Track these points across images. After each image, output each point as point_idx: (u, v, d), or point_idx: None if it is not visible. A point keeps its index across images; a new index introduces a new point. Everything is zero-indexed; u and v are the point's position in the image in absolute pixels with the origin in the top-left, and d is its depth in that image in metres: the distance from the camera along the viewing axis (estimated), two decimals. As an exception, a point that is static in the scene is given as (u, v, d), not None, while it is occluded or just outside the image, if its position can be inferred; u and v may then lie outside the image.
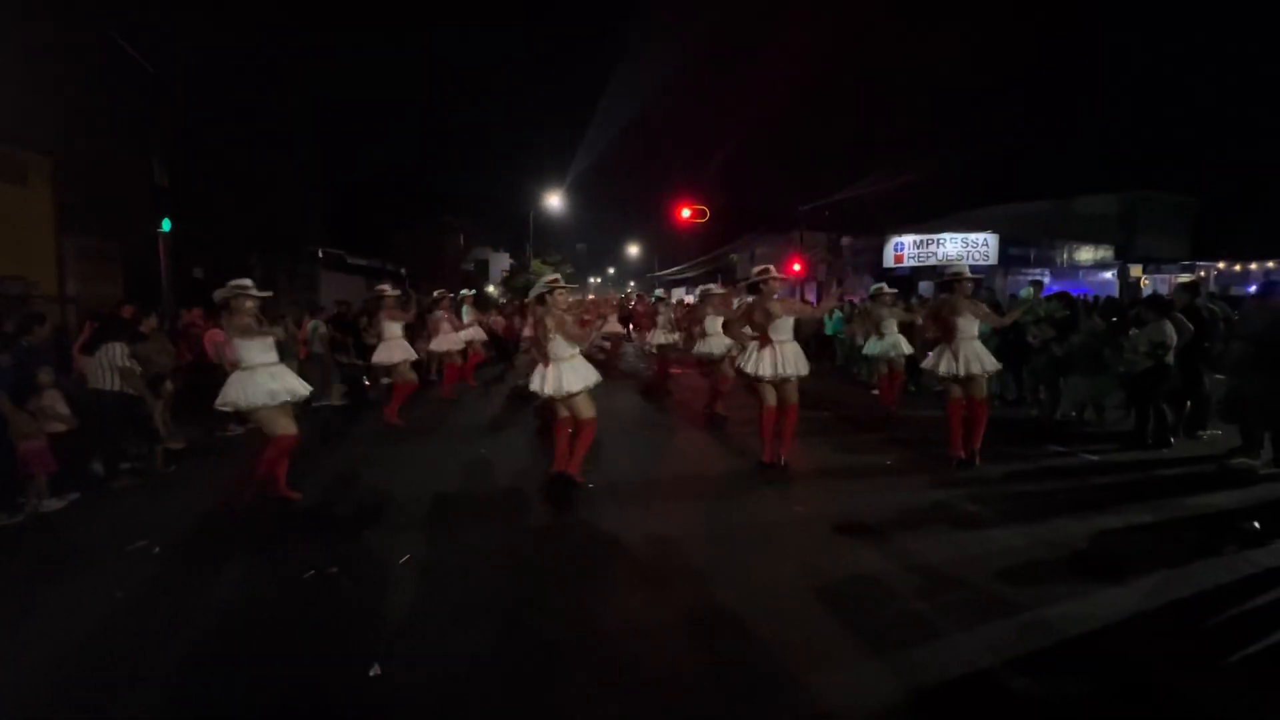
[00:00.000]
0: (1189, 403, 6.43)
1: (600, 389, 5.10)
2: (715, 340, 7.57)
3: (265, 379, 4.58)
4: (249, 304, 4.69)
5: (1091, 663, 2.67)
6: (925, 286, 20.54)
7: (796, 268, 21.64)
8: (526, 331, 12.08)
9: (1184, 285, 7.07)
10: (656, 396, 9.34)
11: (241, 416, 7.22)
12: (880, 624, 2.94)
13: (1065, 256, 23.02)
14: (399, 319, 7.79)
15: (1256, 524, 4.09)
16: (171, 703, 2.48)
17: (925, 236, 23.13)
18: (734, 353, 6.38)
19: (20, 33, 9.42)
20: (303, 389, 4.78)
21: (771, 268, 5.61)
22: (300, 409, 5.05)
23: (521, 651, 2.76)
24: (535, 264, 28.35)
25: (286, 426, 4.60)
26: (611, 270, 66.63)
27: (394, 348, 7.53)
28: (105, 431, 5.20)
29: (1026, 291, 9.22)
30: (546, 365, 4.83)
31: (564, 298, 4.98)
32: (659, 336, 10.15)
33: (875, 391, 9.29)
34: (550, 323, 4.77)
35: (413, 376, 7.63)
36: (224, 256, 14.64)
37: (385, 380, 10.26)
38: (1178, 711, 2.41)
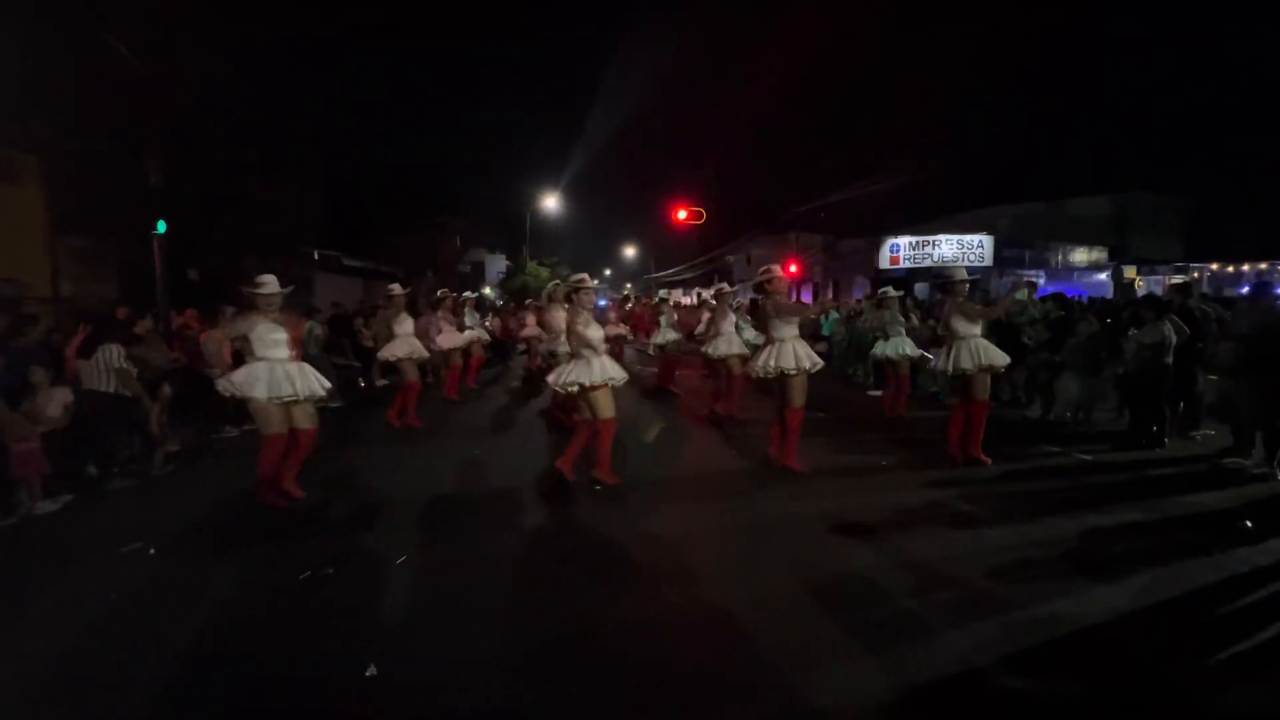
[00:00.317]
0: (1181, 403, 6.48)
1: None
2: (724, 341, 7.62)
3: (265, 372, 4.54)
4: (266, 301, 4.65)
5: (1083, 661, 2.69)
6: (921, 288, 20.64)
7: (792, 269, 21.70)
8: (526, 332, 12.15)
9: (1176, 286, 7.12)
10: (656, 397, 9.34)
11: (239, 417, 7.27)
12: (874, 622, 2.95)
13: (1060, 258, 23.17)
14: (453, 322, 7.95)
15: (1248, 522, 4.12)
16: (167, 704, 2.47)
17: (921, 238, 23.25)
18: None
19: (12, 33, 9.39)
20: (304, 391, 4.61)
21: (775, 267, 5.65)
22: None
23: (518, 651, 2.76)
24: (531, 266, 28.35)
25: (279, 426, 4.57)
26: (608, 272, 66.68)
27: (400, 344, 7.51)
28: (100, 433, 5.18)
29: (1022, 292, 9.28)
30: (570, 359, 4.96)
31: (589, 296, 5.12)
32: (660, 336, 10.15)
33: (872, 393, 9.33)
34: (577, 317, 4.94)
35: (415, 376, 7.61)
36: (219, 258, 14.61)
37: (382, 382, 10.27)
38: (1169, 709, 2.43)
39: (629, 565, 3.65)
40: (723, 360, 7.62)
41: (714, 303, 8.24)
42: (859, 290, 23.91)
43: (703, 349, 8.06)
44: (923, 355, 7.97)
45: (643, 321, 12.48)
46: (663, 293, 12.19)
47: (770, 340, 5.42)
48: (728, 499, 4.78)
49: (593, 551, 3.85)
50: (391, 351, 7.50)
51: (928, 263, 22.50)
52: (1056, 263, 23.08)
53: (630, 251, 56.81)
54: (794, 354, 5.25)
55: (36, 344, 5.24)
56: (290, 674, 2.64)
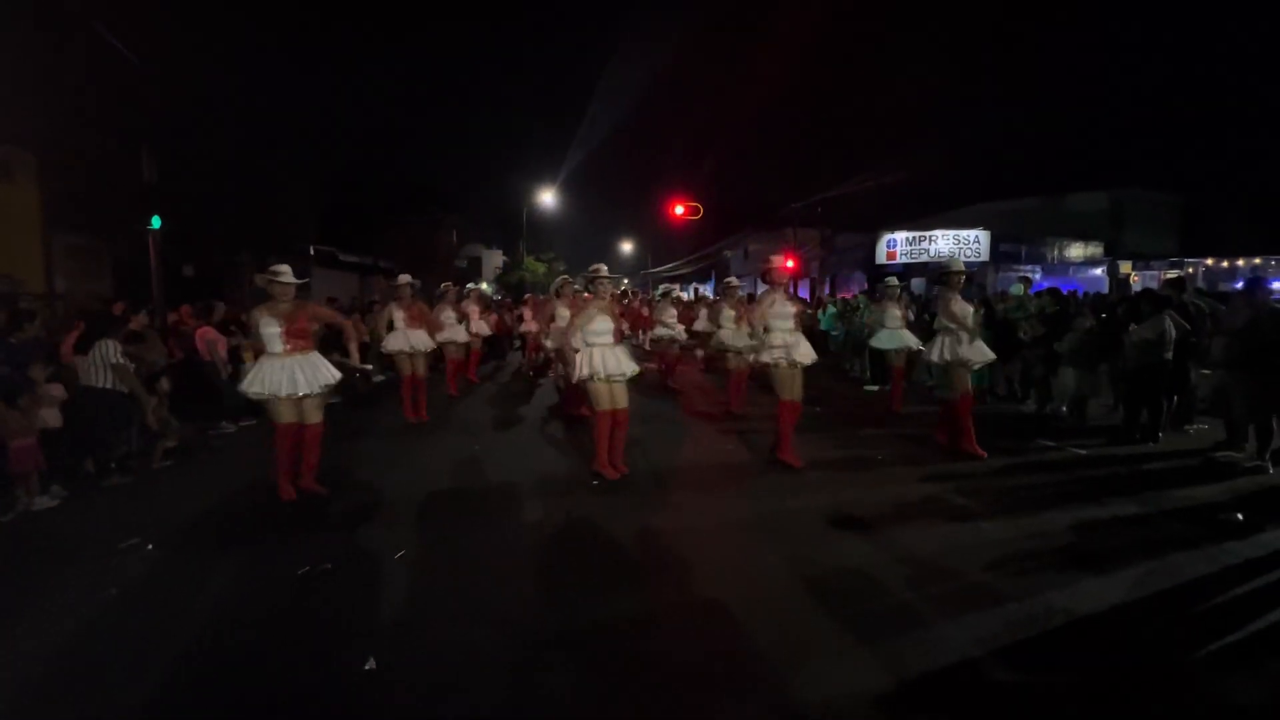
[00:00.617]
0: (1175, 397, 6.52)
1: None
2: (726, 334, 7.67)
3: (272, 369, 4.54)
4: (281, 290, 4.63)
5: (1078, 652, 2.72)
6: (917, 283, 20.67)
7: (789, 264, 21.68)
8: (525, 326, 12.14)
9: (1170, 281, 7.16)
10: (655, 391, 9.35)
11: (236, 413, 7.27)
12: (871, 616, 2.97)
13: (1055, 253, 23.20)
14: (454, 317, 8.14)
15: (1240, 515, 4.16)
16: (166, 700, 2.48)
17: (917, 233, 23.26)
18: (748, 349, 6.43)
19: (5, 28, 9.31)
20: (306, 385, 4.58)
21: (774, 258, 5.68)
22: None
23: (517, 645, 2.78)
24: (528, 261, 28.27)
25: (287, 417, 4.56)
26: (605, 267, 66.42)
27: (399, 337, 7.49)
28: (97, 429, 5.18)
29: (1017, 288, 9.32)
30: (577, 351, 5.05)
31: (607, 287, 5.26)
32: (660, 330, 10.14)
33: (868, 388, 9.37)
34: (595, 310, 5.10)
35: (409, 370, 7.59)
36: (214, 254, 14.55)
37: (379, 378, 10.25)
38: (1162, 700, 2.46)
39: (628, 560, 3.67)
40: (723, 355, 7.65)
41: (711, 297, 8.28)
42: (856, 285, 23.94)
43: (712, 343, 8.10)
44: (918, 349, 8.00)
45: (640, 317, 12.46)
46: (663, 288, 12.15)
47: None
48: (726, 494, 4.81)
49: (591, 547, 3.87)
50: (391, 345, 7.50)
51: (924, 258, 22.53)
52: (1052, 258, 23.10)
53: (628, 247, 56.73)
54: (780, 347, 5.29)
55: (33, 340, 5.22)
56: (289, 668, 2.65)
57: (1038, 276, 20.66)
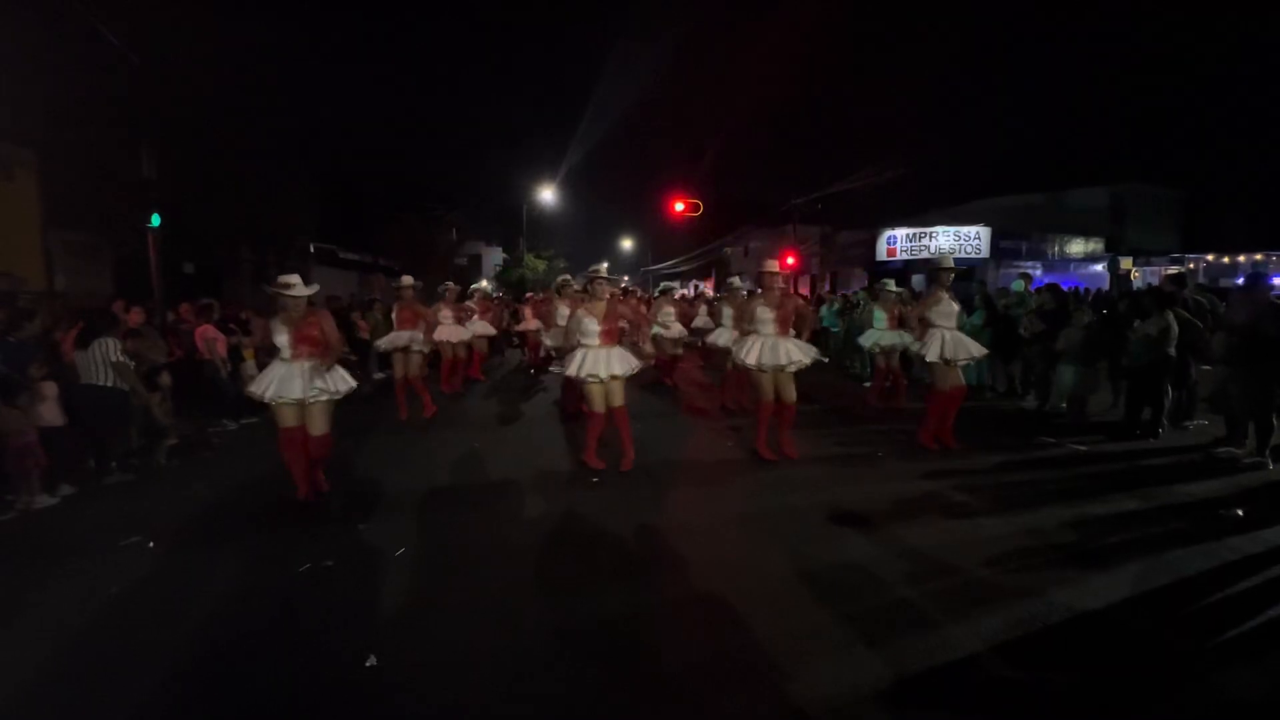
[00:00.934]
0: (1175, 393, 6.51)
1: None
2: (724, 333, 7.69)
3: (277, 372, 4.53)
4: (292, 303, 4.60)
5: (1079, 648, 2.72)
6: (919, 280, 20.66)
7: (790, 261, 21.68)
8: (525, 325, 12.13)
9: (1171, 278, 7.14)
10: (654, 388, 9.35)
11: (236, 411, 7.28)
12: (871, 611, 2.98)
13: (1056, 249, 23.19)
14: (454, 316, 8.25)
15: (1240, 511, 4.16)
16: (167, 697, 2.49)
17: (918, 230, 23.26)
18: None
19: (4, 26, 9.29)
20: (301, 391, 4.48)
21: (771, 262, 5.72)
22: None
23: (516, 641, 2.79)
24: (528, 258, 28.23)
25: (288, 421, 4.54)
26: (605, 264, 66.37)
27: (399, 335, 7.51)
28: (98, 427, 5.18)
29: (1017, 284, 9.31)
30: (575, 350, 5.15)
31: (604, 287, 5.33)
32: (656, 329, 10.11)
33: (867, 385, 9.36)
34: (584, 312, 5.19)
35: (403, 371, 7.59)
36: (214, 251, 14.53)
37: (379, 375, 10.25)
38: (1162, 696, 2.46)
39: (628, 556, 3.67)
40: (725, 352, 7.66)
41: (710, 295, 8.30)
42: (856, 282, 23.93)
43: (705, 340, 8.12)
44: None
45: (639, 315, 12.41)
46: (664, 285, 12.11)
47: (748, 334, 5.57)
48: (726, 490, 4.81)
49: (592, 543, 3.88)
50: (390, 342, 7.50)
51: (925, 254, 22.52)
52: (1053, 254, 23.11)
53: (628, 244, 56.69)
54: (756, 349, 5.40)
55: (33, 338, 5.22)
56: (290, 665, 2.66)
57: (1038, 273, 20.66)
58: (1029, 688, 2.48)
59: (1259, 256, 20.20)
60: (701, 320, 10.40)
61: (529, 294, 14.72)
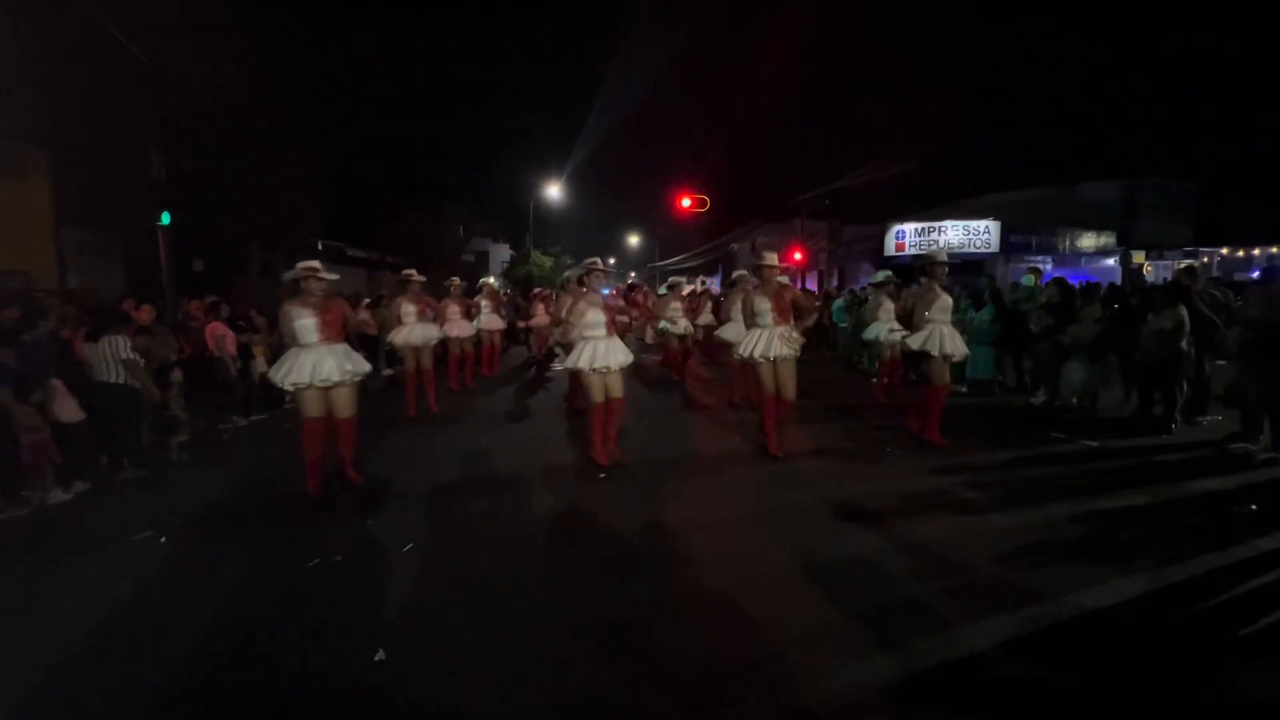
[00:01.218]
0: (1187, 386, 6.44)
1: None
2: (732, 328, 7.66)
3: (303, 358, 4.55)
4: (317, 285, 4.66)
5: (1090, 646, 2.70)
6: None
7: (797, 256, 21.58)
8: (533, 321, 12.13)
9: (1183, 271, 7.06)
10: (659, 384, 9.35)
11: (246, 407, 7.33)
12: (880, 608, 2.96)
13: (1067, 243, 22.93)
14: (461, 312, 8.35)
15: (1254, 507, 4.11)
16: (177, 690, 2.51)
17: (927, 224, 23.07)
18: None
19: (16, 26, 9.37)
20: (336, 374, 4.56)
21: (770, 254, 5.67)
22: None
23: (523, 637, 2.79)
24: (535, 255, 28.25)
25: (312, 410, 4.56)
26: (612, 260, 66.46)
27: (406, 331, 7.53)
28: (110, 424, 5.23)
29: (1028, 279, 9.23)
30: (574, 343, 5.18)
31: (600, 280, 5.37)
32: (662, 324, 10.08)
33: (875, 379, 9.31)
34: (586, 304, 5.18)
35: (414, 365, 7.62)
36: (223, 249, 14.64)
37: (387, 371, 10.30)
38: (1175, 692, 2.44)
39: (636, 552, 3.67)
40: (728, 348, 7.64)
41: (715, 290, 8.27)
42: (864, 278, 23.78)
43: (714, 334, 8.10)
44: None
45: (643, 310, 12.39)
46: (671, 280, 12.08)
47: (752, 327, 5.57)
48: (733, 486, 4.80)
49: (599, 538, 3.88)
50: (400, 337, 7.53)
51: (933, 249, 22.33)
52: (1064, 248, 22.86)
53: (634, 240, 56.66)
54: (756, 342, 5.39)
55: (45, 337, 5.27)
56: (299, 659, 2.67)
57: (1049, 267, 20.45)
58: (1039, 686, 2.46)
59: (1274, 250, 19.92)
60: (705, 318, 10.37)
61: (536, 290, 14.72)
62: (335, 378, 4.55)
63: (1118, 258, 21.83)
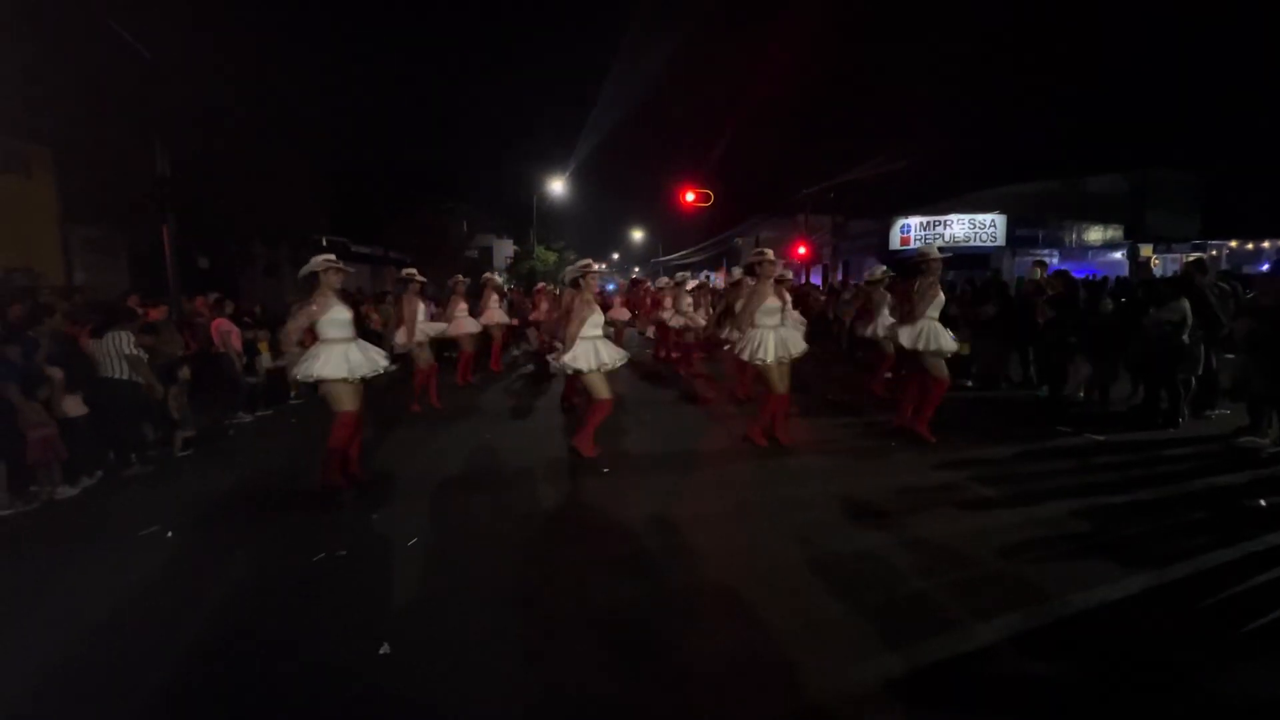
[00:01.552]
0: (1193, 379, 6.39)
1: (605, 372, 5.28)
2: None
3: (343, 353, 4.55)
4: (337, 277, 4.66)
5: (1094, 641, 2.69)
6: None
7: (802, 250, 21.52)
8: (535, 316, 12.13)
9: (1191, 263, 7.00)
10: (664, 379, 9.34)
11: (252, 403, 7.36)
12: (883, 603, 2.96)
13: (1074, 237, 22.76)
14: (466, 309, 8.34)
15: (1262, 501, 4.09)
16: (184, 683, 2.53)
17: (932, 218, 22.96)
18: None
19: (21, 24, 9.38)
20: (375, 365, 4.68)
21: (767, 250, 5.68)
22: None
23: (527, 630, 2.80)
24: (539, 250, 28.24)
25: (351, 403, 4.58)
26: (616, 255, 66.36)
27: (432, 325, 7.58)
28: (116, 419, 5.26)
29: (1034, 272, 9.17)
30: (572, 344, 5.14)
31: (595, 281, 5.37)
32: (675, 319, 10.06)
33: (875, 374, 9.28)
34: (582, 304, 5.16)
35: (425, 361, 7.62)
36: (228, 246, 14.68)
37: (392, 367, 10.29)
38: (1181, 688, 2.42)
39: (640, 546, 3.67)
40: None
41: (714, 285, 8.25)
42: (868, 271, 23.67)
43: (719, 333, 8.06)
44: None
45: (645, 305, 12.42)
46: (680, 275, 12.05)
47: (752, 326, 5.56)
48: (738, 480, 4.79)
49: (602, 533, 3.88)
50: (406, 336, 7.53)
51: (939, 243, 22.23)
52: (1071, 241, 22.68)
53: (638, 235, 56.57)
54: (762, 344, 5.40)
55: (51, 334, 5.29)
56: (304, 653, 2.69)
57: (1055, 260, 20.33)
58: (1045, 681, 2.45)
59: (1285, 243, 19.74)
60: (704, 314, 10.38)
61: (540, 285, 14.70)
62: (370, 371, 4.62)
63: (1125, 251, 21.66)
